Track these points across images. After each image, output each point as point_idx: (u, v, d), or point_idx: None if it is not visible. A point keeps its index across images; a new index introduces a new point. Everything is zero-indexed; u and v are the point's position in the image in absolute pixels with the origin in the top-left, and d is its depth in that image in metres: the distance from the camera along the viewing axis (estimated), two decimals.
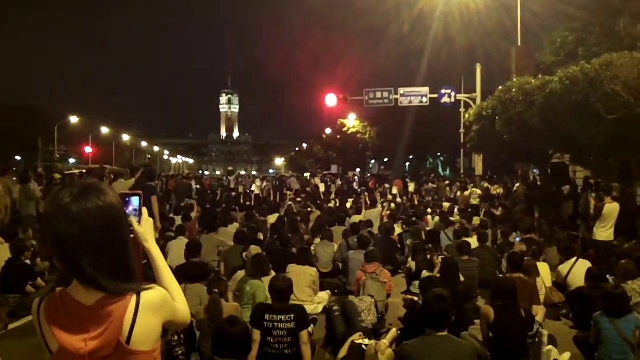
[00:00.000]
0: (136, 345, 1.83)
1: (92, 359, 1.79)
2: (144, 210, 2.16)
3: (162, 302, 1.93)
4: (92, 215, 1.81)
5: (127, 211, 2.10)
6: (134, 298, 1.84)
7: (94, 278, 1.81)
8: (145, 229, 2.13)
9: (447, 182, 29.26)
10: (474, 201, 20.77)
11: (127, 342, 1.81)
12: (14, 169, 21.07)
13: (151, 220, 2.18)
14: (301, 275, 8.03)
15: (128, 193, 2.17)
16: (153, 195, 10.87)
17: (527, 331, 6.02)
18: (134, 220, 2.11)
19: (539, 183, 18.96)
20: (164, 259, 2.16)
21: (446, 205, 19.61)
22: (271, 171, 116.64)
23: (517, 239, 12.25)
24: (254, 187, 30.13)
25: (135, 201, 2.16)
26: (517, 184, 21.97)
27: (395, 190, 27.45)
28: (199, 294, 6.56)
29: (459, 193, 22.59)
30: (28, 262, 9.19)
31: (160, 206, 12.96)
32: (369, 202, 17.69)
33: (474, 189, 21.91)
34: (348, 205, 20.32)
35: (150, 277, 2.09)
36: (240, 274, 7.81)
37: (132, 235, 2.06)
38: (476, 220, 15.20)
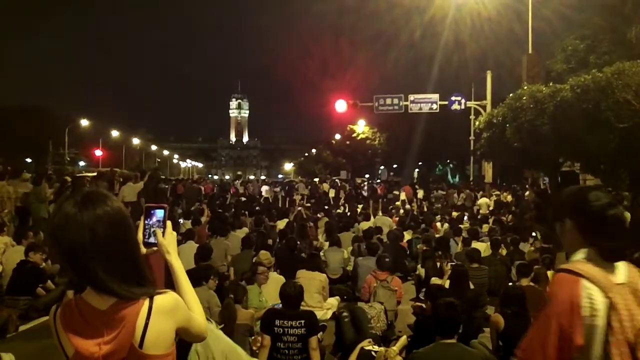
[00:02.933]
0: (149, 348, 1.85)
1: None
2: (168, 222, 2.19)
3: (174, 307, 1.94)
4: (101, 221, 1.84)
5: (151, 222, 2.15)
6: (146, 302, 1.87)
7: (106, 284, 1.83)
8: (169, 242, 2.15)
9: (455, 190, 29.28)
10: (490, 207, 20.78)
11: (139, 346, 1.84)
12: (24, 171, 21.16)
13: (174, 233, 2.20)
14: (311, 281, 8.03)
15: (153, 205, 2.20)
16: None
17: None
18: (158, 232, 2.14)
19: (549, 191, 18.84)
20: (184, 272, 2.17)
21: (455, 213, 19.56)
22: (280, 176, 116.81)
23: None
24: (263, 192, 30.22)
25: (159, 213, 2.19)
26: (527, 192, 21.93)
27: (403, 196, 27.44)
28: (207, 298, 6.56)
29: (481, 200, 22.53)
30: (44, 264, 9.28)
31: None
32: (378, 209, 17.65)
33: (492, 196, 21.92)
34: (358, 210, 20.32)
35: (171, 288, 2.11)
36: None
37: (155, 248, 2.11)
38: (485, 228, 15.18)
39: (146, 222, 2.16)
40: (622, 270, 2.27)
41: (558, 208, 2.47)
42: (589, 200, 2.30)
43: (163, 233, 2.16)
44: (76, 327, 1.86)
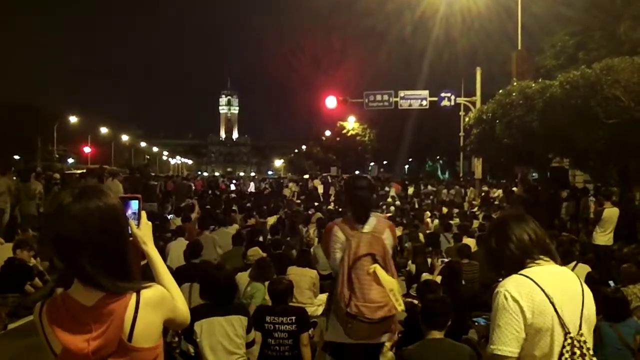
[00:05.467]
0: (138, 342, 1.88)
1: (96, 358, 1.83)
2: (143, 213, 2.21)
3: (161, 299, 1.98)
4: (92, 215, 1.86)
5: (126, 214, 2.14)
6: (133, 296, 1.89)
7: (93, 277, 1.85)
8: (144, 232, 2.17)
9: (443, 186, 29.39)
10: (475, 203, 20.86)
11: (128, 340, 1.86)
12: (13, 168, 21.02)
13: (150, 223, 2.22)
14: (301, 278, 8.02)
15: (127, 196, 2.22)
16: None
17: None
18: (132, 223, 2.15)
19: (539, 188, 18.91)
20: (162, 262, 2.20)
21: (445, 209, 19.61)
22: (270, 172, 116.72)
23: None
24: (252, 189, 30.21)
25: (134, 204, 2.21)
26: (516, 188, 22.01)
27: (393, 192, 27.47)
28: None
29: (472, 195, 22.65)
30: (33, 260, 9.23)
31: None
32: None
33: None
34: None
35: (149, 278, 2.13)
36: (242, 275, 7.75)
37: (130, 238, 2.11)
38: (475, 224, 15.22)
39: None
40: (372, 223, 4.20)
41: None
42: (349, 184, 4.40)
43: (138, 224, 2.17)
44: (63, 323, 1.87)
